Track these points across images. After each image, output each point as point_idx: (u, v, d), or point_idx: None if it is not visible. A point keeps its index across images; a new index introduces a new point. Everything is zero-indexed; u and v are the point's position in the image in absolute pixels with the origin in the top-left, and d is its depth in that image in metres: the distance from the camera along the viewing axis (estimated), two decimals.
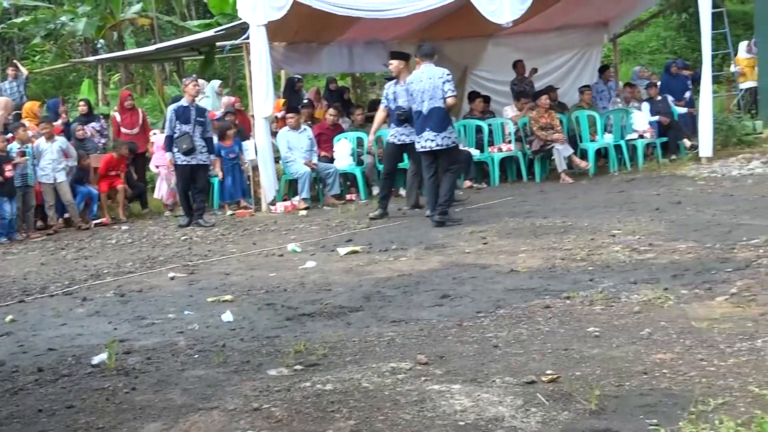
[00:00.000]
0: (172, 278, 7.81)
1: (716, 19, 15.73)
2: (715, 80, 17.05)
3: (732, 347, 4.50)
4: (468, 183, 13.17)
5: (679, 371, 4.20)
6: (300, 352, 5.01)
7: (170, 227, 11.37)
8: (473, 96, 14.94)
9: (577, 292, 5.96)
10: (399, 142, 10.64)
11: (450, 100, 9.65)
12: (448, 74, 9.71)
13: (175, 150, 11.30)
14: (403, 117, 10.39)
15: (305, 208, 11.98)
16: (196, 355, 5.17)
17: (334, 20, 12.83)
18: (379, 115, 11.28)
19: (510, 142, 13.68)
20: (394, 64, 10.64)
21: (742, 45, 18.07)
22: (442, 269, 7.26)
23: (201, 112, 11.54)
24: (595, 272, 6.61)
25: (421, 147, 9.81)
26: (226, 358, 5.04)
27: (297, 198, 12.48)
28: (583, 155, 13.67)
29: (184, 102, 11.46)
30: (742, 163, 12.95)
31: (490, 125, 14.08)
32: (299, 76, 16.66)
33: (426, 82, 9.72)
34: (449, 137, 9.73)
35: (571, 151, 13.35)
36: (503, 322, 5.40)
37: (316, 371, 4.66)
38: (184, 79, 12.86)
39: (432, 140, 9.70)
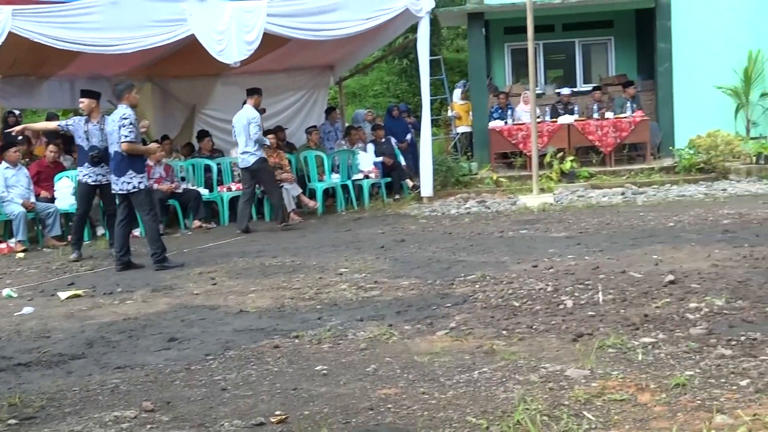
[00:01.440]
0: None
1: (434, 65, 16.74)
2: (434, 124, 18.06)
3: (451, 380, 4.72)
4: (197, 223, 13.02)
5: (403, 405, 4.34)
6: (14, 405, 4.70)
7: None
8: (202, 135, 14.84)
9: (306, 330, 6.03)
10: (93, 182, 10.22)
11: (124, 146, 9.32)
12: (124, 117, 9.32)
13: None
14: (98, 158, 10.08)
15: (23, 251, 11.33)
16: None
17: (54, 54, 12.30)
18: (50, 125, 11.24)
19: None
20: (85, 102, 10.28)
21: (457, 91, 19.29)
22: (170, 311, 7.09)
23: None
24: (324, 310, 6.72)
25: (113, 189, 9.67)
26: None
27: (13, 240, 11.76)
28: (312, 194, 13.94)
29: None
30: (459, 203, 13.78)
31: (219, 164, 14.05)
32: (17, 111, 15.78)
33: (110, 125, 9.54)
34: (129, 182, 9.42)
35: (300, 190, 13.56)
36: (232, 363, 5.35)
37: (33, 425, 4.38)
38: None
39: (115, 184, 9.54)
